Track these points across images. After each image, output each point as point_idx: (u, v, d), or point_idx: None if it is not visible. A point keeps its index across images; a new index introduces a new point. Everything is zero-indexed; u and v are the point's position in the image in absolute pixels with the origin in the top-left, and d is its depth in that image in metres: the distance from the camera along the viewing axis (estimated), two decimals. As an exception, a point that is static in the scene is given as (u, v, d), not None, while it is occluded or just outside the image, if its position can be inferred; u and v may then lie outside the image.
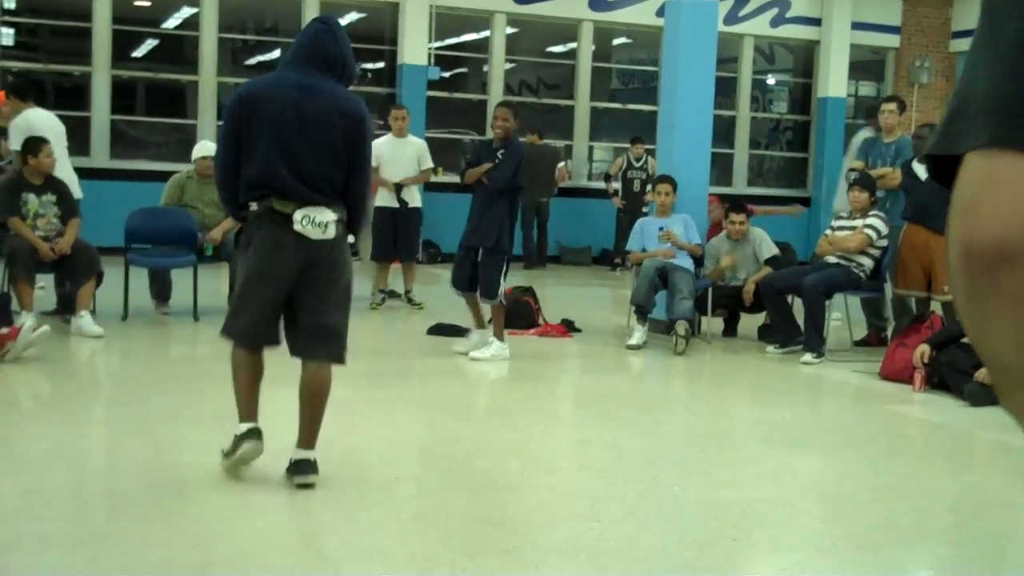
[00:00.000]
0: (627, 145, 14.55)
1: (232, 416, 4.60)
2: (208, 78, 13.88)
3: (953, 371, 6.97)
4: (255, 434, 4.48)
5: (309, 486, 4.41)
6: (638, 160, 14.19)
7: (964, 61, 1.08)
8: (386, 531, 4.01)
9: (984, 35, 1.00)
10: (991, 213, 0.93)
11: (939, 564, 4.10)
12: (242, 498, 4.36)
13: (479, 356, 7.56)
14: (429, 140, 10.34)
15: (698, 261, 8.75)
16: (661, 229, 8.68)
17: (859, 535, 4.18)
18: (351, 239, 4.76)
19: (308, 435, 4.53)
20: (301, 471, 4.43)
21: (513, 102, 9.32)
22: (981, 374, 6.66)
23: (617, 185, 14.37)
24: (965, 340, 7.27)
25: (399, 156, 9.69)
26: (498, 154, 7.56)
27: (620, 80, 17.34)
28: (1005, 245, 0.93)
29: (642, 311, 8.39)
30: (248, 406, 4.57)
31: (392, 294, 9.92)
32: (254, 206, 4.39)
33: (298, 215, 4.31)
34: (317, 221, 4.32)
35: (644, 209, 13.76)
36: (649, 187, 12.10)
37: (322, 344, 4.51)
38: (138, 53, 14.72)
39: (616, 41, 16.66)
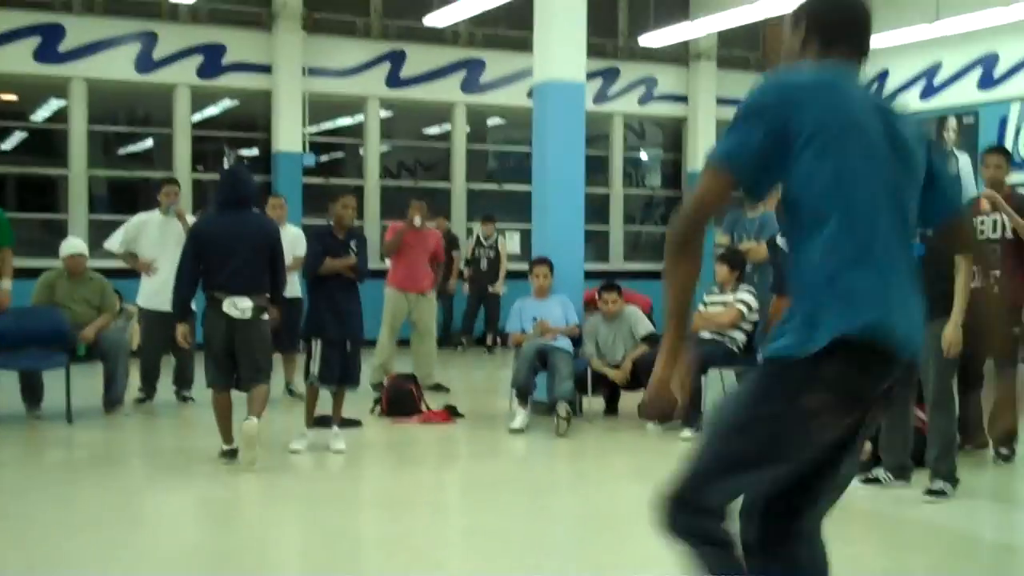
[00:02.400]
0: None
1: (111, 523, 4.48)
2: (79, 171, 13.67)
3: (827, 441, 7.14)
4: (232, 454, 6.88)
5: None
6: (487, 239, 14.30)
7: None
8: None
9: None
10: None
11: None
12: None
13: (342, 448, 7.51)
14: (306, 228, 10.31)
15: (576, 341, 8.85)
16: (535, 319, 8.78)
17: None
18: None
19: (256, 411, 6.78)
20: (231, 455, 6.90)
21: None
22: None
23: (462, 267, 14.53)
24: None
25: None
26: (351, 244, 7.52)
27: (496, 161, 17.55)
28: None
29: (523, 394, 8.45)
30: (225, 431, 6.95)
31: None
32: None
33: (225, 302, 6.70)
34: (239, 306, 6.71)
35: (490, 288, 13.94)
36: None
37: (255, 377, 6.90)
38: (6, 147, 14.43)
39: (491, 122, 16.88)
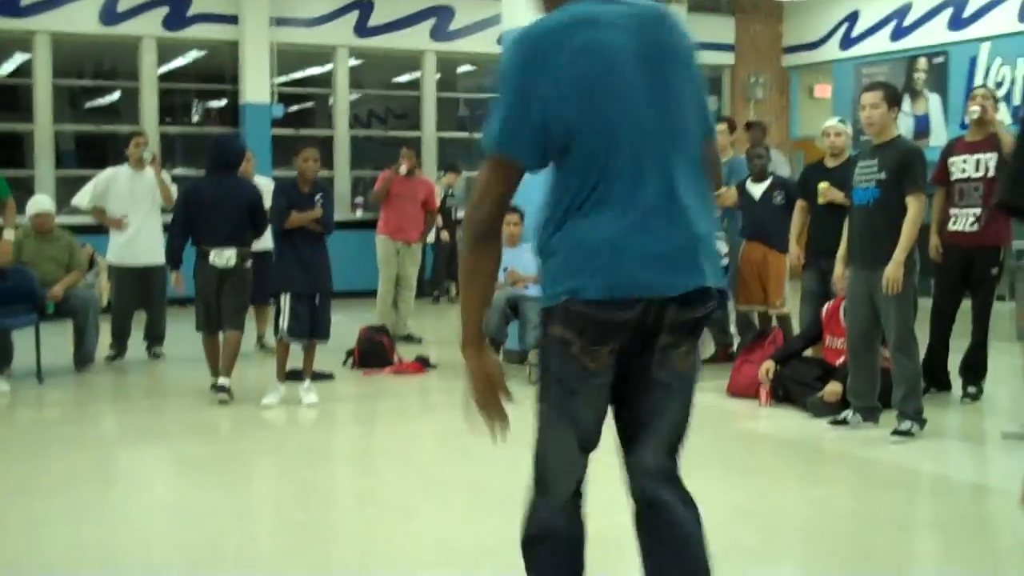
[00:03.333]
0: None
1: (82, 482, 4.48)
2: (44, 126, 13.49)
3: (796, 384, 7.21)
4: (221, 388, 7.53)
5: (225, 401, 7.45)
6: (449, 188, 14.24)
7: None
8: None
9: None
10: None
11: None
12: None
13: (314, 401, 7.54)
14: (277, 179, 10.24)
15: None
16: (505, 269, 8.76)
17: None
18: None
19: (226, 367, 7.57)
20: (220, 390, 7.52)
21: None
22: (827, 392, 6.91)
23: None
24: (807, 354, 7.55)
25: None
26: (317, 198, 7.49)
27: (468, 108, 17.46)
28: None
29: (495, 343, 8.46)
30: (213, 368, 7.69)
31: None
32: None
33: (212, 253, 7.50)
34: (225, 256, 7.50)
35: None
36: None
37: (232, 322, 7.64)
38: (-31, 102, 14.25)
39: (460, 69, 16.76)
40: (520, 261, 8.86)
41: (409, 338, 10.31)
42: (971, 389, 7.44)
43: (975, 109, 7.25)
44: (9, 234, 8.02)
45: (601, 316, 2.59)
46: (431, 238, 13.28)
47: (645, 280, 2.58)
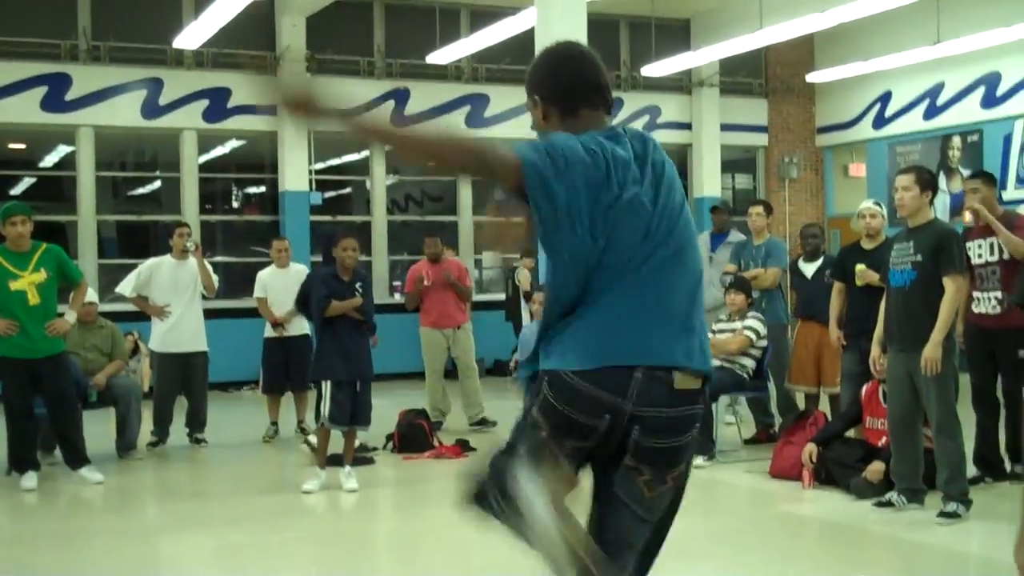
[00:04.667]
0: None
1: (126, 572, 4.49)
2: (87, 216, 13.75)
3: (839, 466, 7.16)
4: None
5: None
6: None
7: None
8: None
9: None
10: None
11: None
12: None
13: (355, 487, 7.53)
14: (315, 265, 10.37)
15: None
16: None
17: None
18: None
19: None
20: None
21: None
22: (870, 471, 6.86)
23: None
24: (849, 435, 7.50)
25: (281, 286, 9.69)
26: (356, 286, 7.56)
27: (504, 192, 17.54)
28: None
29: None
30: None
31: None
32: None
33: None
34: None
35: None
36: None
37: None
38: (15, 192, 14.51)
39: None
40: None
41: (483, 423, 9.98)
42: (1019, 468, 7.33)
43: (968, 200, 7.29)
44: (71, 316, 8.07)
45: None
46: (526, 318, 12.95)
47: None
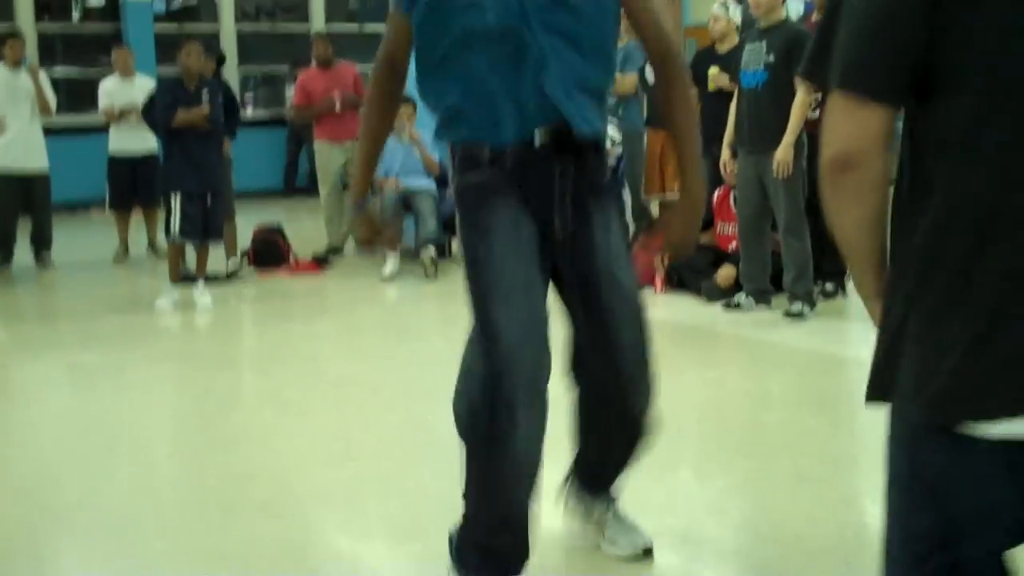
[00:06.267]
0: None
1: None
2: None
3: (690, 271, 7.30)
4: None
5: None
6: None
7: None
8: (139, 497, 3.94)
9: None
10: (833, 135, 1.59)
11: (682, 459, 4.30)
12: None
13: (208, 303, 7.45)
14: (160, 79, 9.93)
15: (441, 181, 8.64)
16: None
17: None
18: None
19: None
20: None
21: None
22: (720, 275, 7.01)
23: None
24: (701, 242, 7.63)
25: (128, 99, 9.28)
26: (203, 93, 7.26)
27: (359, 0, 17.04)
28: (842, 156, 1.58)
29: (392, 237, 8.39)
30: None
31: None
32: None
33: None
34: None
35: None
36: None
37: None
38: None
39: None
40: (412, 153, 8.76)
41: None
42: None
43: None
44: None
45: None
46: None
47: None
